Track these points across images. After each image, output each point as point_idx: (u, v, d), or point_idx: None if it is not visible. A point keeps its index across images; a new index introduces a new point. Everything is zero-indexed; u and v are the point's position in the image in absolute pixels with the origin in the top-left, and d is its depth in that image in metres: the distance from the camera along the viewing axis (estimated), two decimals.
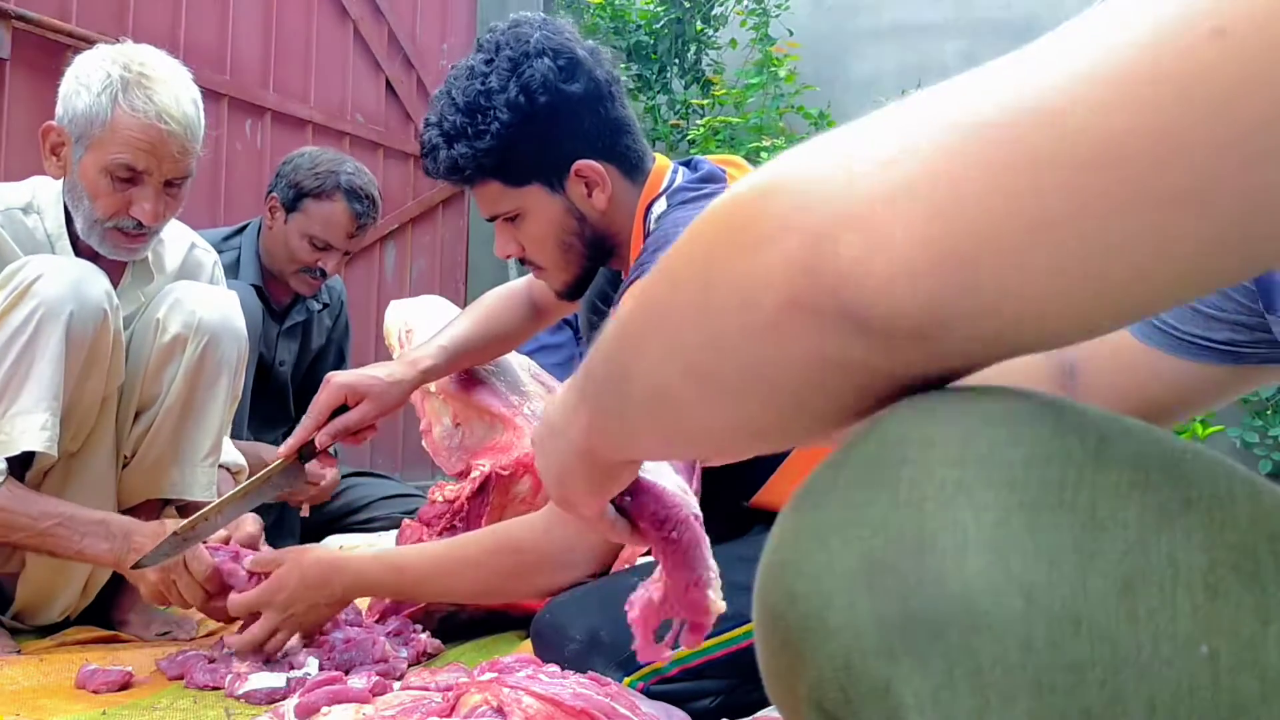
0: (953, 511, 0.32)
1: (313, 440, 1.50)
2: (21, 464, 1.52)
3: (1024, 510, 0.32)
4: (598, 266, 1.51)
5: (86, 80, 1.55)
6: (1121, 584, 0.30)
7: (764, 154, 3.91)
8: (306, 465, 1.56)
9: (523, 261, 1.52)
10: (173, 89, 1.57)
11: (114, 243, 1.60)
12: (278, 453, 1.51)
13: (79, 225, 1.61)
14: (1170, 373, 0.76)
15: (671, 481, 0.64)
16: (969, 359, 0.35)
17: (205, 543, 1.44)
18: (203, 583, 1.43)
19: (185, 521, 1.40)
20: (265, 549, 1.50)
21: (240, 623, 1.45)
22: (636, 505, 0.63)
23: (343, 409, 1.52)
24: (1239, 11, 0.29)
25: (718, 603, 0.65)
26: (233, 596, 1.40)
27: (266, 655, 1.39)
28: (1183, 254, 0.31)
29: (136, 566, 1.40)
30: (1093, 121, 0.30)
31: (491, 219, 1.49)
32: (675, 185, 1.45)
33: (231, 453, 1.91)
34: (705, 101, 4.27)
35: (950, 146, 0.32)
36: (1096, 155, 0.30)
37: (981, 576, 0.31)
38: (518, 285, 1.77)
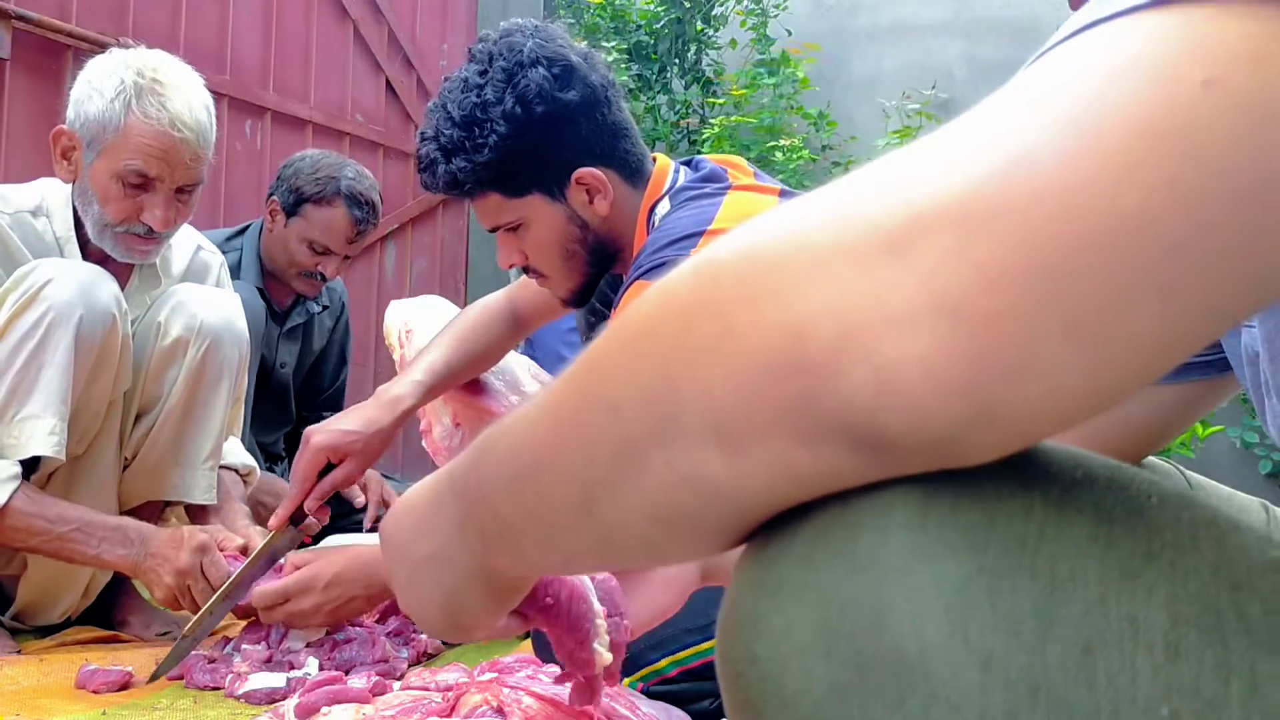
0: (911, 579, 0.31)
1: (302, 506, 1.49)
2: (28, 468, 1.52)
3: (984, 575, 0.31)
4: (602, 273, 1.51)
5: (100, 85, 1.55)
6: (1081, 648, 0.30)
7: (778, 154, 3.92)
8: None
9: (526, 270, 1.51)
10: (186, 96, 1.57)
11: (126, 246, 1.60)
12: (269, 524, 1.50)
13: (89, 229, 1.61)
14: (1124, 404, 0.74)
15: None
16: (966, 461, 0.33)
17: (223, 551, 1.46)
18: (218, 587, 1.44)
19: (194, 620, 1.41)
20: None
21: (246, 623, 1.46)
22: None
23: (328, 467, 1.50)
24: (1225, 56, 0.29)
25: (604, 655, 0.62)
26: (261, 587, 1.40)
27: (267, 655, 1.39)
28: (1206, 324, 0.30)
29: (153, 678, 1.40)
30: (1112, 205, 0.29)
31: (493, 230, 1.49)
32: (678, 185, 1.45)
33: (240, 454, 1.92)
34: (720, 100, 4.27)
35: (952, 245, 0.30)
36: (1120, 242, 0.29)
37: (939, 647, 0.30)
38: (496, 298, 1.75)
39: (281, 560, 1.46)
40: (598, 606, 0.62)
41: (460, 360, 1.67)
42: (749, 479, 0.34)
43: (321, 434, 1.49)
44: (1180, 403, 0.75)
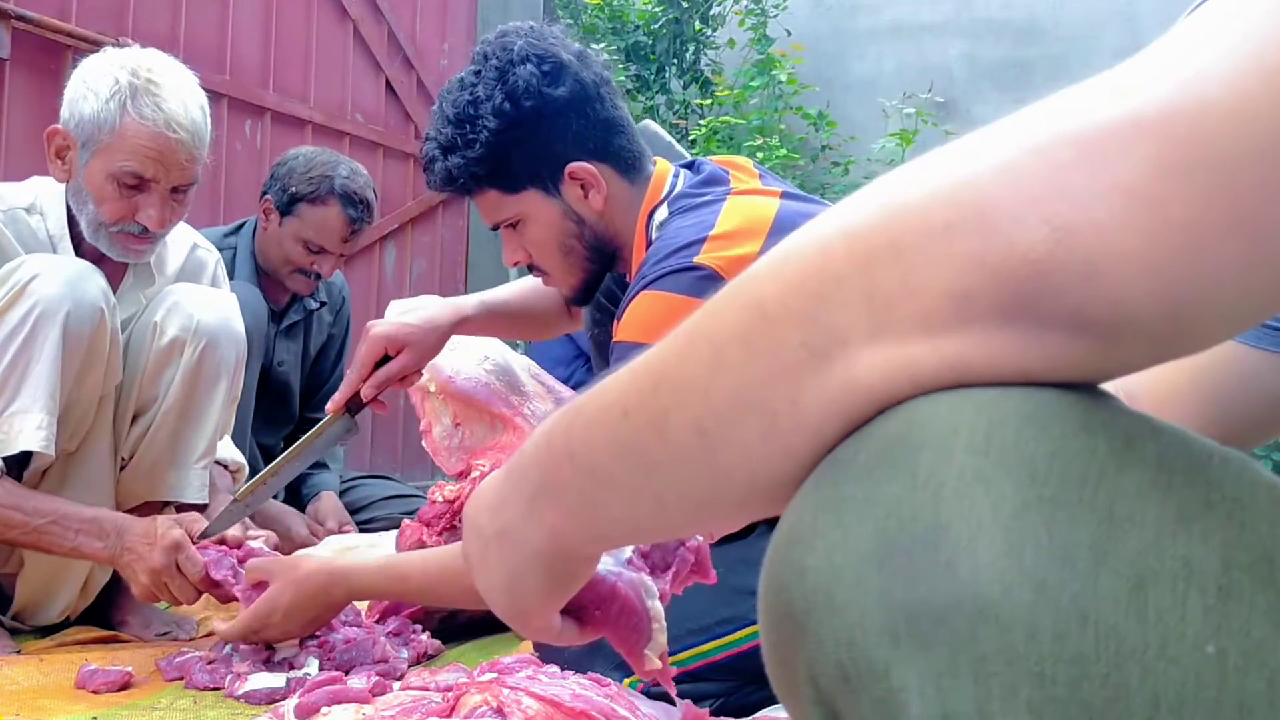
0: (970, 500, 0.32)
1: (359, 393, 1.54)
2: (19, 464, 1.52)
3: (1042, 504, 0.32)
4: (604, 270, 1.51)
5: (94, 86, 1.54)
6: (1133, 582, 0.31)
7: (759, 154, 3.92)
8: (307, 524, 1.55)
9: (531, 268, 1.53)
10: (181, 96, 1.56)
11: (122, 246, 1.60)
12: (327, 407, 1.56)
13: (84, 228, 1.60)
14: (1241, 372, 0.74)
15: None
16: (1123, 368, 0.34)
17: (196, 543, 1.46)
18: (195, 583, 1.45)
19: (245, 487, 1.45)
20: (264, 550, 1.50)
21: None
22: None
23: (384, 359, 1.55)
24: None
25: (654, 661, 0.67)
26: (222, 628, 1.40)
27: (266, 655, 1.39)
28: None
29: (203, 536, 1.45)
30: (1274, 114, 0.31)
31: (495, 227, 1.50)
32: (676, 191, 1.45)
33: (230, 450, 1.92)
34: (707, 101, 4.27)
35: (1125, 140, 0.32)
36: (1271, 147, 0.31)
37: (993, 567, 0.31)
38: None
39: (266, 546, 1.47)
40: (652, 607, 0.66)
41: (522, 306, 1.71)
42: (886, 364, 0.34)
43: (381, 324, 1.55)
44: None
